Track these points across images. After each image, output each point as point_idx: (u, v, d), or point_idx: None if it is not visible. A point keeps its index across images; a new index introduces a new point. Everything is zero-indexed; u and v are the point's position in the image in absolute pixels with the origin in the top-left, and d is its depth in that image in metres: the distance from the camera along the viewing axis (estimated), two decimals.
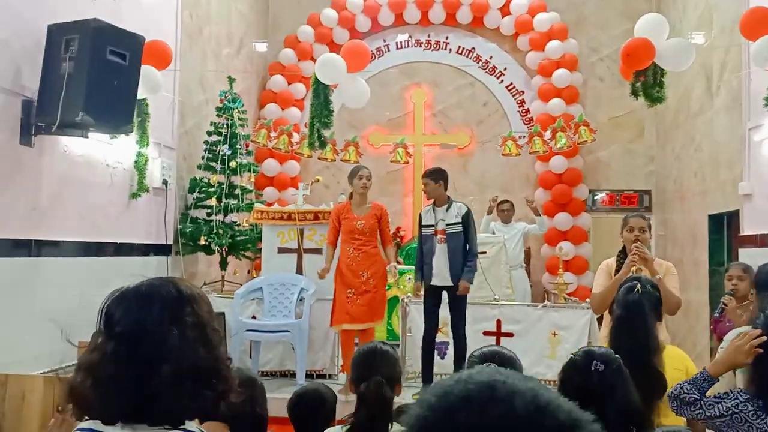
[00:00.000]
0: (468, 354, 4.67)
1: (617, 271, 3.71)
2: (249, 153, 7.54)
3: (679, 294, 3.69)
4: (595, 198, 9.28)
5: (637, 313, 2.64)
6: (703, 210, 7.30)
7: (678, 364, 2.79)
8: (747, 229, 5.99)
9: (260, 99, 9.46)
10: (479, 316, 5.92)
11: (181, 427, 1.24)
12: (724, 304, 3.94)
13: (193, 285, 1.38)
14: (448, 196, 5.48)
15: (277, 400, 5.49)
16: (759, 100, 5.16)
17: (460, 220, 5.35)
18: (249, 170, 7.37)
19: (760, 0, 5.04)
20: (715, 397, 2.20)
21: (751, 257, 4.92)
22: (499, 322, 6.03)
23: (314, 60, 8.99)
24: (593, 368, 2.00)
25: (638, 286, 2.73)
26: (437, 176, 5.44)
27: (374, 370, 2.33)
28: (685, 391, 2.24)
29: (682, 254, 7.71)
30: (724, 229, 6.98)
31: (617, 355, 2.10)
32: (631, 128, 9.25)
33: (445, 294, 5.44)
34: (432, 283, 5.40)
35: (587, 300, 6.81)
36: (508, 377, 0.60)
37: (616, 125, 9.15)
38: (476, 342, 4.80)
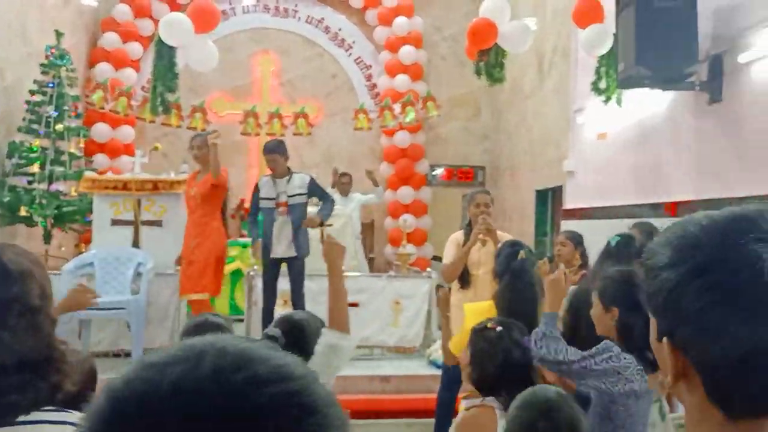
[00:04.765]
0: None
1: (465, 243, 3.91)
2: (78, 116, 6.94)
3: None
4: (435, 173, 9.67)
5: (524, 276, 2.77)
6: (530, 185, 7.88)
7: None
8: (569, 203, 6.55)
9: (90, 57, 8.68)
10: (325, 288, 5.90)
11: (24, 419, 1.11)
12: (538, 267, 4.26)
13: (24, 257, 1.21)
14: (288, 167, 5.41)
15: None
16: (585, 84, 5.63)
17: (304, 190, 5.31)
18: (78, 135, 6.79)
19: None
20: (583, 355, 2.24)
21: (572, 229, 5.38)
22: None
23: (153, 18, 8.44)
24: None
25: (522, 252, 2.85)
26: (284, 150, 5.35)
27: None
28: (547, 350, 2.23)
29: (510, 227, 8.25)
30: (548, 203, 7.59)
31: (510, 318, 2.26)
32: (469, 107, 9.71)
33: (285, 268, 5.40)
34: (272, 256, 5.32)
35: (428, 269, 7.11)
36: (219, 340, 0.55)
37: (456, 103, 9.56)
38: (322, 313, 4.83)
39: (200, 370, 0.52)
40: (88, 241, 6.64)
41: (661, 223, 4.52)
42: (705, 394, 0.75)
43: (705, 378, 0.75)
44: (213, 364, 0.52)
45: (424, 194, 9.30)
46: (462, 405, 2.32)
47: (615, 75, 4.73)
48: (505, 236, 4.09)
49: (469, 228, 4.04)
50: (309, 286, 5.50)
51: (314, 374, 0.56)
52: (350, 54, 9.53)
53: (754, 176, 3.84)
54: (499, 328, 2.25)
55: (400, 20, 9.15)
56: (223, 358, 0.53)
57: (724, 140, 4.16)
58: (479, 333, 2.28)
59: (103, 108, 7.56)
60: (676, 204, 4.61)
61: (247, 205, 9.04)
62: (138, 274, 5.61)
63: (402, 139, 9.03)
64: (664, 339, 0.77)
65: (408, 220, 8.50)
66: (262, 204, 5.37)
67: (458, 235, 4.13)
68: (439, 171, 9.70)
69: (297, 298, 5.32)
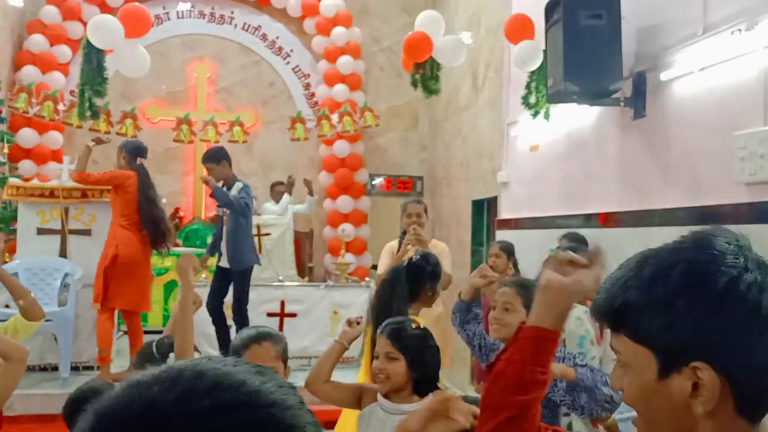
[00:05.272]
0: None
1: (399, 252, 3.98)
2: (2, 120, 6.66)
3: (450, 272, 4.06)
4: (374, 182, 9.72)
5: (394, 275, 2.89)
6: (467, 196, 8.03)
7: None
8: (503, 213, 6.71)
9: (15, 60, 8.34)
10: (264, 297, 5.91)
11: None
12: None
13: None
14: (234, 175, 5.37)
15: (39, 396, 5.01)
16: (517, 98, 5.80)
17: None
18: (2, 140, 6.51)
19: (522, 7, 5.63)
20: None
21: (506, 239, 5.53)
22: (282, 302, 6.07)
23: (83, 21, 8.18)
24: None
25: (412, 257, 3.00)
26: (218, 157, 5.27)
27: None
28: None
29: (448, 235, 8.40)
30: (484, 213, 7.75)
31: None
32: (407, 118, 9.82)
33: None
34: (220, 264, 5.35)
35: (366, 279, 7.14)
36: (202, 363, 0.57)
37: (394, 114, 9.65)
38: (260, 323, 4.79)
39: (171, 393, 0.53)
40: (12, 251, 6.37)
41: (589, 233, 4.69)
42: (734, 411, 0.76)
43: (744, 393, 0.75)
44: (184, 388, 0.54)
45: (363, 204, 9.34)
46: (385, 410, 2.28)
47: (544, 90, 4.89)
48: (439, 245, 4.17)
49: (403, 237, 4.11)
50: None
51: (293, 402, 0.57)
52: (288, 62, 9.49)
53: (675, 189, 4.04)
54: (422, 324, 2.29)
55: (339, 30, 9.18)
56: (197, 382, 0.54)
57: (647, 154, 4.36)
58: (406, 332, 2.19)
59: (27, 112, 7.26)
60: (602, 215, 4.80)
61: (181, 213, 8.92)
62: (65, 285, 5.43)
63: (341, 148, 9.05)
64: (698, 364, 0.75)
65: (347, 230, 8.53)
66: (218, 211, 5.44)
67: (393, 244, 4.19)
68: (378, 180, 9.76)
69: (235, 312, 5.26)
